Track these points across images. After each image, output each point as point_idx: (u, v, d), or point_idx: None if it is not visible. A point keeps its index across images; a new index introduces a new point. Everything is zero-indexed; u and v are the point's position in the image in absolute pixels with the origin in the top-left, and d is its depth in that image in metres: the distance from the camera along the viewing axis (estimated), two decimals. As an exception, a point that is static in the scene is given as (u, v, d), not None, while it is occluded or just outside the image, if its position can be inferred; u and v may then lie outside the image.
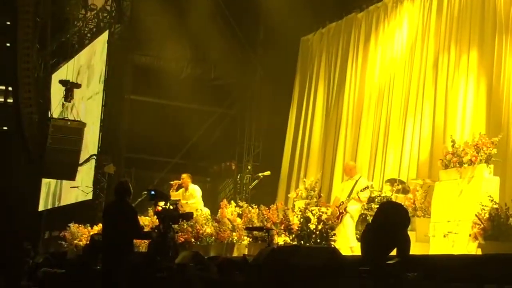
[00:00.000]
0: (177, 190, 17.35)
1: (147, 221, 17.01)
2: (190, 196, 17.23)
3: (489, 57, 15.15)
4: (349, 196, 14.26)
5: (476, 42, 15.56)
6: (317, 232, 12.50)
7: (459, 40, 16.06)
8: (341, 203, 14.12)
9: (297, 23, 20.62)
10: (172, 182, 17.60)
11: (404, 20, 17.92)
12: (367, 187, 14.31)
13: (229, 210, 15.77)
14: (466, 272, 7.86)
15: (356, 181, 14.50)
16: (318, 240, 12.41)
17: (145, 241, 14.05)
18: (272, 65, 23.48)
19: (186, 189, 17.41)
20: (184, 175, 17.58)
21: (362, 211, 13.88)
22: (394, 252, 8.34)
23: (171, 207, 10.96)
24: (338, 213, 13.78)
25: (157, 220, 11.14)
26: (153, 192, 11.19)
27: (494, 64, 14.94)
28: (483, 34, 15.43)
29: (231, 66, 24.52)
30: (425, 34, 17.12)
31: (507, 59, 14.67)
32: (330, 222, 12.60)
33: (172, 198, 16.47)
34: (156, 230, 10.81)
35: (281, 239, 13.33)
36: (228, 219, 15.50)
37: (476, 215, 10.37)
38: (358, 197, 14.09)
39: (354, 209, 14.05)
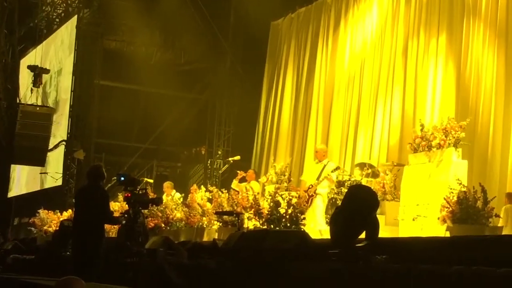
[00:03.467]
0: (240, 181, 16.94)
1: (117, 206, 16.94)
2: (250, 190, 16.61)
3: (457, 42, 15.24)
4: (318, 179, 14.37)
5: (445, 27, 15.64)
6: (287, 216, 12.51)
7: (428, 25, 16.12)
8: (310, 186, 14.22)
9: (267, 8, 20.60)
10: (238, 172, 17.25)
11: (373, 5, 17.96)
12: (338, 168, 14.45)
13: (199, 195, 15.75)
14: (434, 254, 7.92)
15: (325, 165, 14.61)
16: (288, 224, 12.43)
17: (115, 226, 13.99)
18: (242, 50, 23.46)
19: (248, 183, 16.85)
20: (250, 171, 17.29)
21: (332, 195, 13.93)
22: (363, 235, 8.40)
23: (141, 192, 10.91)
24: (307, 197, 13.83)
25: (126, 205, 11.09)
26: (122, 178, 11.11)
27: (462, 49, 15.04)
28: (452, 19, 15.51)
29: (201, 51, 24.48)
30: (394, 19, 17.17)
31: (475, 43, 14.78)
32: (300, 206, 12.62)
33: (233, 187, 16.31)
34: (125, 215, 10.75)
35: (251, 224, 13.34)
36: (198, 204, 15.48)
37: (444, 198, 10.44)
38: (331, 177, 14.21)
39: (324, 192, 14.15)
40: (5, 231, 25.95)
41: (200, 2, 23.29)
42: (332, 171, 14.29)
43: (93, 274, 10.05)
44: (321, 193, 14.13)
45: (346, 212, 8.56)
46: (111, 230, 15.65)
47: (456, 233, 9.98)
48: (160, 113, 24.45)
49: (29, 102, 21.82)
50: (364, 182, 13.71)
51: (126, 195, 10.84)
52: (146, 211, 13.17)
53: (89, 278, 8.78)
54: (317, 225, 13.72)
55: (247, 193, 14.10)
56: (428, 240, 9.02)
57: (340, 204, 10.62)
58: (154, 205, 12.93)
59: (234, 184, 16.78)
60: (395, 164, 14.00)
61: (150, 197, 11.72)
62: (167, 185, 18.15)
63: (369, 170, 14.35)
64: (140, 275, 10.32)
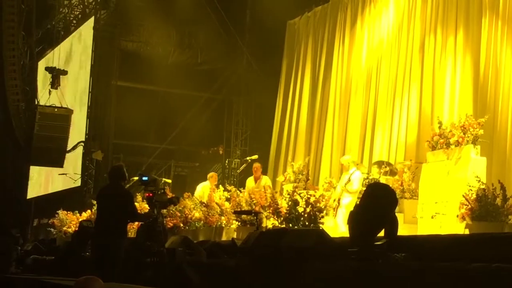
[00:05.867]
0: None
1: (136, 206, 16.97)
2: (268, 189, 15.39)
3: (475, 38, 15.17)
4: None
5: (462, 23, 15.57)
6: (305, 215, 12.53)
7: (445, 22, 16.07)
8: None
9: (284, 7, 20.60)
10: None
11: (390, 2, 17.91)
12: (349, 180, 14.23)
13: (218, 194, 15.78)
14: (453, 252, 7.89)
15: (351, 174, 14.51)
16: (307, 223, 12.44)
17: (134, 226, 14.05)
18: (259, 49, 23.47)
19: (258, 178, 16.50)
20: (256, 165, 16.79)
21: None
22: (382, 234, 8.38)
23: (160, 192, 10.93)
24: (335, 206, 13.86)
25: (146, 205, 11.10)
26: (145, 178, 11.10)
27: (480, 46, 14.96)
28: (469, 16, 15.45)
29: (218, 51, 24.52)
30: (411, 17, 17.12)
31: (493, 40, 14.69)
32: (318, 204, 12.63)
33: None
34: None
35: (269, 222, 13.35)
36: (217, 203, 15.50)
37: (463, 196, 10.42)
38: (346, 189, 14.11)
39: (346, 202, 13.99)
40: (25, 232, 26.08)
41: (216, 1, 23.31)
42: (345, 184, 14.17)
43: (112, 274, 10.09)
44: (343, 204, 14.01)
45: (364, 210, 8.54)
46: (130, 230, 15.70)
47: (475, 230, 9.96)
48: (177, 113, 24.49)
49: (47, 104, 21.89)
50: (382, 180, 13.69)
51: (147, 195, 10.86)
52: (164, 210, 13.21)
53: (108, 278, 8.81)
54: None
55: (265, 193, 14.11)
56: (447, 238, 8.99)
57: (358, 202, 10.61)
58: (172, 205, 12.95)
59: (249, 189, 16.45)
60: (413, 162, 13.97)
61: (168, 196, 11.77)
62: (211, 175, 18.01)
63: (387, 168, 14.32)
64: (159, 275, 10.34)
